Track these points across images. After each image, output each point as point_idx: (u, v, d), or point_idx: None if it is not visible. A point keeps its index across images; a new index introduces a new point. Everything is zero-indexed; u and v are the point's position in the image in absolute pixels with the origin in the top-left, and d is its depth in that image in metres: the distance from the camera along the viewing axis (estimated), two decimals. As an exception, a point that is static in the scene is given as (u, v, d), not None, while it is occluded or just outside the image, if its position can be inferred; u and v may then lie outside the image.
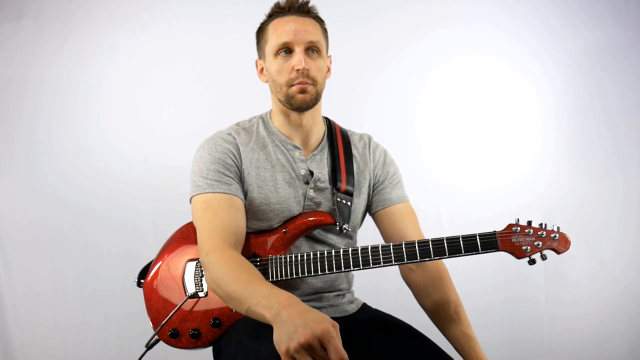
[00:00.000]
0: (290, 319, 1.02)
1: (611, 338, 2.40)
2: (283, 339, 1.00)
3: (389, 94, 2.44)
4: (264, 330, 1.14)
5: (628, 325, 2.40)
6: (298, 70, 1.33)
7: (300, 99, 1.36)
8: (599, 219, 2.44)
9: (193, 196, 1.35)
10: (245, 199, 1.38)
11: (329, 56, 1.49)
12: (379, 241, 1.53)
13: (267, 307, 1.08)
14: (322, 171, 1.44)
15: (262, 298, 1.10)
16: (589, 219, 2.43)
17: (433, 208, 2.38)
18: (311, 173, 1.42)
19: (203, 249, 1.27)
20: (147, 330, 1.38)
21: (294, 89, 1.35)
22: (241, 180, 1.38)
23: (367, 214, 1.55)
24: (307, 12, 1.40)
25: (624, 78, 2.47)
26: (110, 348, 2.27)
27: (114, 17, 2.37)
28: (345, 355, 0.98)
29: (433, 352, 1.30)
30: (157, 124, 2.36)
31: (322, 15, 1.46)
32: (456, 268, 2.33)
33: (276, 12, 1.40)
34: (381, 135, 2.22)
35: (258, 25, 1.45)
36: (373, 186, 1.51)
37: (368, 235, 1.58)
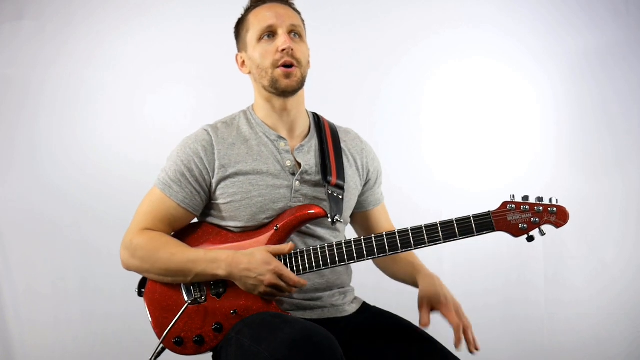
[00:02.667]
0: (245, 274, 1.26)
1: (611, 338, 2.40)
2: (250, 289, 1.28)
3: (389, 95, 2.44)
4: (264, 331, 1.14)
5: (628, 325, 2.40)
6: (283, 50, 1.34)
7: (285, 83, 1.36)
8: (599, 219, 2.43)
9: (154, 185, 1.41)
10: (223, 196, 1.37)
11: (308, 49, 1.49)
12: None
13: (216, 268, 1.28)
14: (310, 163, 1.42)
15: (207, 263, 1.29)
16: (589, 219, 2.42)
17: (433, 207, 2.38)
18: (298, 164, 1.41)
19: (127, 237, 1.38)
20: (147, 329, 1.38)
21: (279, 71, 1.35)
22: (205, 183, 1.38)
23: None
24: (285, 1, 1.44)
25: (624, 78, 2.47)
26: (110, 347, 2.27)
27: (114, 17, 2.37)
28: (300, 281, 1.28)
29: (436, 351, 1.30)
30: (158, 124, 2.36)
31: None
32: (457, 268, 2.35)
33: (255, 3, 1.43)
34: (382, 135, 2.23)
35: (236, 21, 1.48)
36: (364, 184, 1.52)
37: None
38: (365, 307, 1.50)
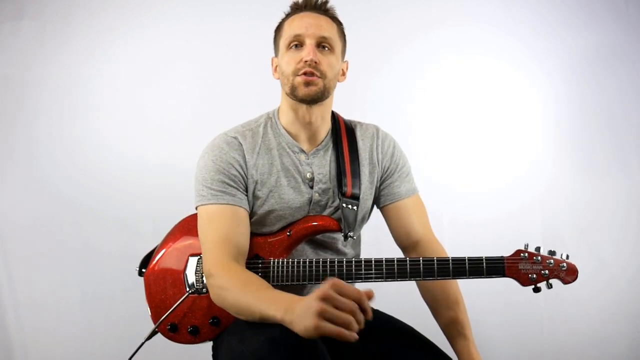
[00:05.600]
0: (302, 306, 1.02)
1: (611, 338, 2.40)
2: (302, 325, 1.00)
3: (388, 94, 2.44)
4: (249, 331, 1.15)
5: (628, 325, 2.40)
6: (306, 61, 1.32)
7: (304, 91, 1.34)
8: (599, 218, 2.43)
9: (198, 206, 1.35)
10: (251, 206, 1.37)
11: (346, 61, 1.48)
12: (384, 233, 1.53)
13: (279, 308, 1.08)
14: (323, 170, 1.42)
15: (273, 302, 1.11)
16: (589, 219, 2.43)
17: (433, 208, 2.35)
18: (313, 174, 1.40)
19: (207, 264, 1.28)
20: (147, 329, 1.38)
21: (299, 79, 1.33)
22: (246, 188, 1.37)
23: (375, 207, 1.52)
24: (324, 10, 1.41)
25: (624, 78, 2.46)
26: (110, 348, 2.27)
27: (114, 17, 2.37)
28: (365, 293, 1.00)
29: (434, 355, 1.30)
30: (158, 124, 2.36)
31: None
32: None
33: (294, 10, 1.42)
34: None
35: (277, 24, 1.47)
36: (381, 179, 1.48)
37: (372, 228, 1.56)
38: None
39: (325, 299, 0.97)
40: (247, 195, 1.36)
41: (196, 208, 1.37)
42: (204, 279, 1.35)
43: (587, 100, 2.47)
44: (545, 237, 2.40)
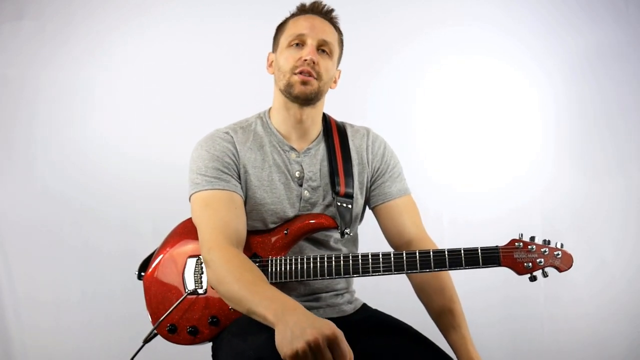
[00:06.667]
0: (297, 322, 1.00)
1: (611, 338, 2.40)
2: (288, 340, 0.98)
3: (388, 94, 2.44)
4: (251, 330, 1.15)
5: (628, 325, 2.40)
6: (305, 60, 1.36)
7: (299, 89, 1.36)
8: (599, 218, 2.44)
9: (192, 194, 1.36)
10: (244, 195, 1.39)
11: (339, 70, 1.51)
12: (379, 235, 1.53)
13: (270, 308, 1.06)
14: (313, 169, 1.44)
15: (265, 299, 1.10)
16: (589, 219, 2.43)
17: (433, 208, 2.38)
18: (303, 172, 1.42)
19: (205, 246, 1.27)
20: (147, 329, 1.38)
21: (296, 78, 1.36)
22: (239, 176, 1.39)
23: (367, 207, 1.54)
24: (329, 19, 1.46)
25: (624, 78, 2.47)
26: (110, 348, 2.27)
27: (114, 17, 2.37)
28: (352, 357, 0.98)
29: (433, 354, 1.30)
30: (158, 124, 2.36)
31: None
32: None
33: (300, 11, 1.46)
34: (381, 135, 2.21)
35: (280, 21, 1.49)
36: (371, 179, 1.50)
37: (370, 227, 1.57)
38: (364, 308, 1.51)
39: (314, 349, 0.96)
40: (240, 184, 1.38)
41: (190, 198, 1.37)
42: (202, 279, 1.35)
43: (587, 100, 2.47)
44: (545, 237, 2.40)
